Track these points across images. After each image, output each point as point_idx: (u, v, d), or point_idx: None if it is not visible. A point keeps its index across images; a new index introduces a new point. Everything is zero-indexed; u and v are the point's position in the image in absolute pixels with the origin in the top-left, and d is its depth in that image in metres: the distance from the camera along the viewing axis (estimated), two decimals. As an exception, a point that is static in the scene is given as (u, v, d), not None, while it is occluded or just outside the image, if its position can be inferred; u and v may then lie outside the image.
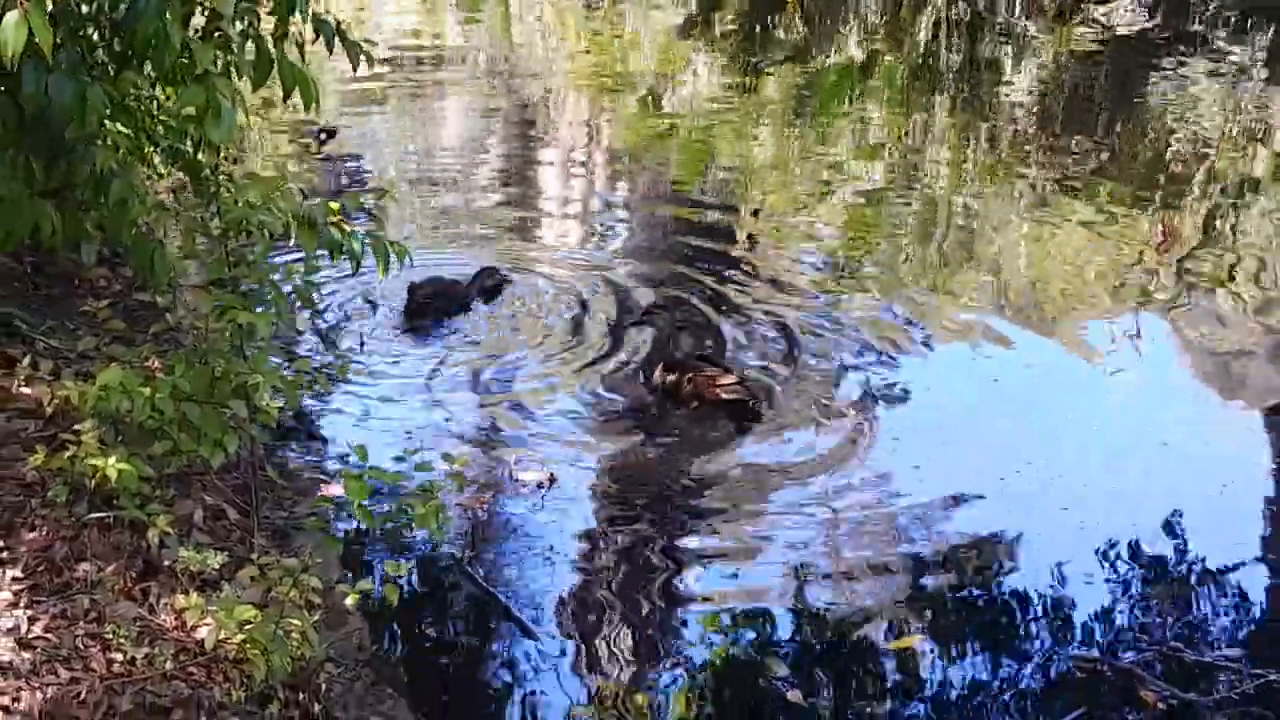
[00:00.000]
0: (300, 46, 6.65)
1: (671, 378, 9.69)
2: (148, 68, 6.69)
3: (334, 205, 6.64)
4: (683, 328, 10.72)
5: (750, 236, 13.50)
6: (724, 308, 11.48)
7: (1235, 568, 7.99)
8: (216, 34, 6.29)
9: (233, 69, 6.45)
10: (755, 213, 14.20)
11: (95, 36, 6.76)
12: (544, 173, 15.86)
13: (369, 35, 6.78)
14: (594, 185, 15.58)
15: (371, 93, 18.97)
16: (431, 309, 11.05)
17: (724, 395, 9.54)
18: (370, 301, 11.13)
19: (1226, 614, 7.62)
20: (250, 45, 6.47)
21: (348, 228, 6.63)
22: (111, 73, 6.73)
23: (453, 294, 11.24)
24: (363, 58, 6.79)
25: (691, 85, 20.74)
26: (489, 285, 11.54)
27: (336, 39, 6.69)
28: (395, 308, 11.04)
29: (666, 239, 13.31)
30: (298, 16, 6.44)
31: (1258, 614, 7.66)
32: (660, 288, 11.84)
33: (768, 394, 9.85)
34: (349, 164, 15.37)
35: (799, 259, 12.77)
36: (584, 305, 11.43)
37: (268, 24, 6.59)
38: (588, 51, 23.07)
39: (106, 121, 6.70)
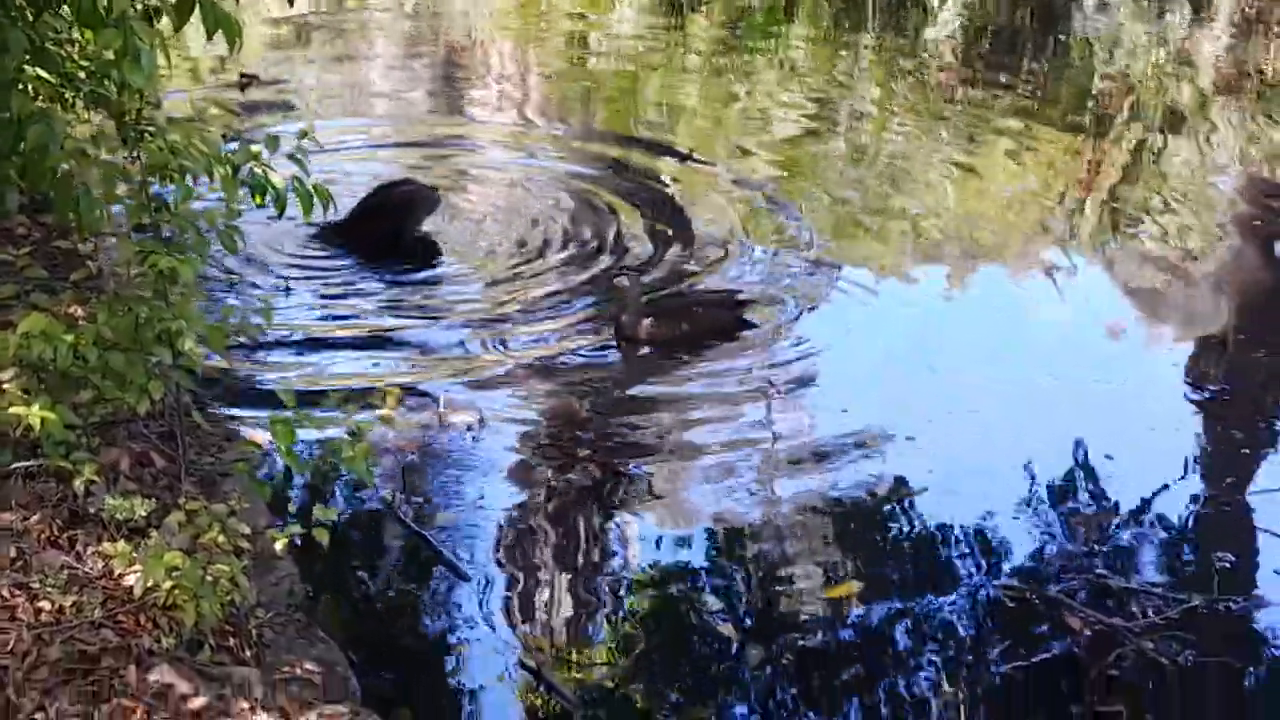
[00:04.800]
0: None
1: (667, 325, 9.73)
2: (67, 11, 6.58)
3: (255, 149, 6.56)
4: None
5: (679, 169, 13.53)
6: (660, 240, 11.52)
7: (1161, 499, 8.12)
8: (136, -27, 6.19)
9: (152, 11, 6.36)
10: (688, 154, 14.20)
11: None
12: (474, 108, 15.83)
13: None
14: (525, 119, 15.55)
15: (294, 37, 18.76)
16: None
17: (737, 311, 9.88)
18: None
19: (1153, 543, 7.76)
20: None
21: (270, 171, 6.55)
22: (30, 16, 6.61)
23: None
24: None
25: (619, 24, 20.66)
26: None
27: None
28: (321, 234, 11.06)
29: (601, 170, 13.31)
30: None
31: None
32: (597, 222, 11.86)
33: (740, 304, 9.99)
34: (271, 106, 15.18)
35: (728, 193, 12.78)
36: (517, 240, 11.42)
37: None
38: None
39: (26, 66, 6.58)
